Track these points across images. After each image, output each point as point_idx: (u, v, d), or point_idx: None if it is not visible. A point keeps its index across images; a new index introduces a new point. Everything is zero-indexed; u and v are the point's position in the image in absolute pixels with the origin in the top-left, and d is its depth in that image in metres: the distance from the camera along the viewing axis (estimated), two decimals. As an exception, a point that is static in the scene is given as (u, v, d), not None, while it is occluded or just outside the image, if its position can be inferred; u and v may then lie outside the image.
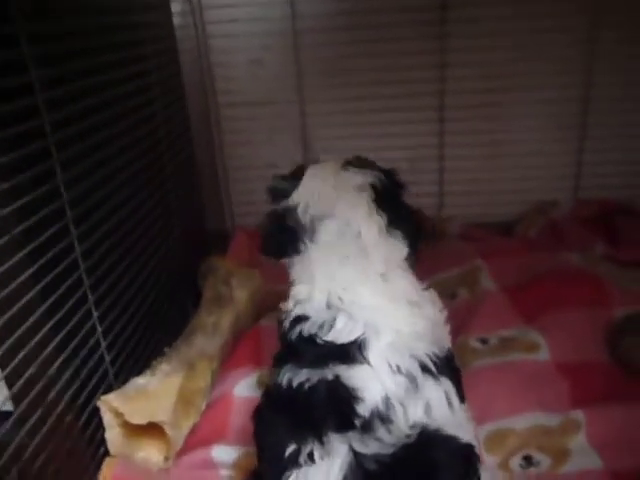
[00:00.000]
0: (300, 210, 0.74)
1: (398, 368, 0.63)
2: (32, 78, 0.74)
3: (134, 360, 1.03)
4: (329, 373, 0.63)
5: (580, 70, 1.43)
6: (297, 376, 0.64)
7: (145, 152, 1.14)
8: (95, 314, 0.90)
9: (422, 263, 1.36)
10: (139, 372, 1.00)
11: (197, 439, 0.94)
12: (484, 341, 1.12)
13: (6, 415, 0.69)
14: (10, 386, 0.71)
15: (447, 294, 1.26)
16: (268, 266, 1.18)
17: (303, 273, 0.73)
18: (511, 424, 0.93)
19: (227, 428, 0.96)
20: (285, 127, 1.53)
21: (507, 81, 1.44)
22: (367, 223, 0.72)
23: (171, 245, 1.26)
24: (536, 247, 1.40)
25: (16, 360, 0.70)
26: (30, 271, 0.74)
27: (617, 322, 1.11)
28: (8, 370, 0.69)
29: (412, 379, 0.63)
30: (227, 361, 1.10)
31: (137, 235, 1.09)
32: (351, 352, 0.64)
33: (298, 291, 0.72)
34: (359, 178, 0.76)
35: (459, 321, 1.17)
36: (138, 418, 0.86)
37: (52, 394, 0.78)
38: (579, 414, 0.93)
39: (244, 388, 1.04)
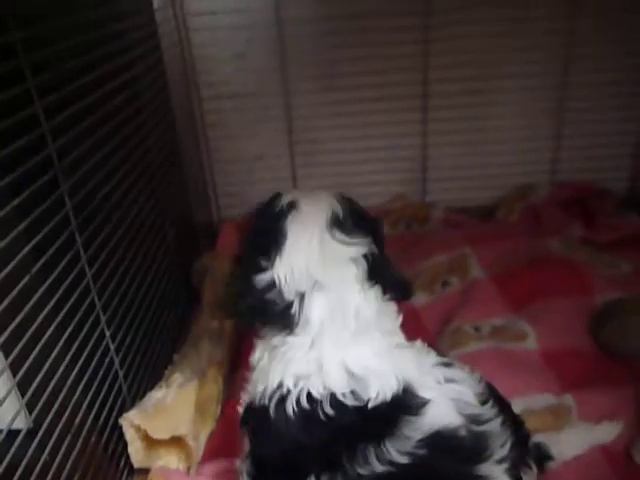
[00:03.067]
0: (283, 285, 0.68)
1: None
2: (29, 85, 0.72)
3: (143, 370, 1.04)
4: None
5: (558, 58, 1.46)
6: None
7: (134, 149, 1.10)
8: (107, 333, 0.91)
9: (410, 250, 1.42)
10: (149, 382, 1.01)
11: (219, 448, 0.96)
12: (477, 329, 1.17)
13: (16, 433, 0.69)
14: (29, 407, 0.70)
15: (439, 282, 1.31)
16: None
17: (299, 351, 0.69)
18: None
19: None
20: (270, 119, 1.52)
21: (488, 70, 1.47)
22: (365, 300, 0.70)
23: (167, 243, 1.24)
24: (518, 231, 1.46)
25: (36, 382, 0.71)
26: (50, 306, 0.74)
27: (597, 310, 1.15)
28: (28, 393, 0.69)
29: None
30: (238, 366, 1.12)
31: (135, 237, 1.06)
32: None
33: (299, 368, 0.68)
34: (350, 250, 0.70)
35: (453, 309, 1.23)
36: (161, 434, 0.88)
37: (70, 412, 0.78)
38: (569, 398, 0.99)
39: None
